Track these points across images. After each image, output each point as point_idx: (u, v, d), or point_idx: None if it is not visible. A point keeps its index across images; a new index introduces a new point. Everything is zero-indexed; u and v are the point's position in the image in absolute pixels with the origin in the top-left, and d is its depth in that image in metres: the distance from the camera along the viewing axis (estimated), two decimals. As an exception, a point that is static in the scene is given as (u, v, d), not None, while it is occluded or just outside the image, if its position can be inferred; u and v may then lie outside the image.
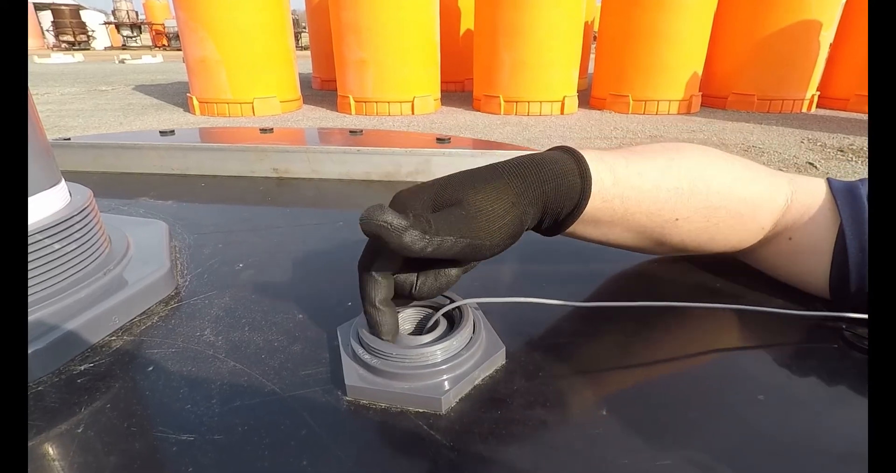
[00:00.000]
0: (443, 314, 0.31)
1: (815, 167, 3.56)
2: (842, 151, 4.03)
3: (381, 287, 0.29)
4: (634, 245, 0.39)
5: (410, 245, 0.26)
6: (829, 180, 0.37)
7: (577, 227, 0.35)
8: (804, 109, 5.96)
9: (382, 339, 0.29)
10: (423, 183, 0.31)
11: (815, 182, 0.38)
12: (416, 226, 0.26)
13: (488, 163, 0.32)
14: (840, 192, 0.36)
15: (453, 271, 0.31)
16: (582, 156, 0.33)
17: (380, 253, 0.29)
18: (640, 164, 0.35)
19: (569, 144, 0.35)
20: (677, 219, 0.36)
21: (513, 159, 0.32)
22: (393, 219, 0.25)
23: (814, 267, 0.37)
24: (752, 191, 0.37)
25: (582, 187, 0.32)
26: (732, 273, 0.42)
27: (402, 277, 0.30)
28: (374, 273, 0.29)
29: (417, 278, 0.30)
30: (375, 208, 0.26)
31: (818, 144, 4.28)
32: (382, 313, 0.29)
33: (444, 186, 0.30)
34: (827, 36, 5.60)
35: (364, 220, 0.25)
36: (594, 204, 0.33)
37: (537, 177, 0.31)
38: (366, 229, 0.26)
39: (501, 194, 0.30)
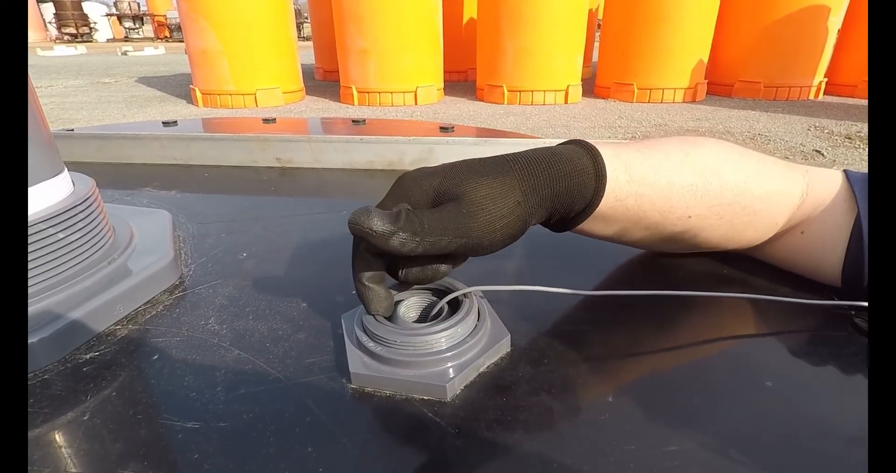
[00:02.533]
0: (448, 302, 0.30)
1: (823, 155, 3.52)
2: (849, 138, 3.98)
3: (367, 265, 0.29)
4: (645, 243, 0.39)
5: (399, 248, 0.26)
6: (846, 172, 0.36)
7: (587, 224, 0.34)
8: (811, 97, 5.88)
9: (369, 314, 0.29)
10: (430, 169, 0.30)
11: (830, 174, 0.37)
12: (405, 228, 0.26)
13: (492, 151, 0.31)
14: (858, 182, 0.35)
15: (442, 267, 0.30)
16: (598, 152, 0.32)
17: (360, 241, 0.29)
18: (656, 158, 0.34)
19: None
20: (690, 216, 0.35)
21: (526, 153, 0.31)
22: (378, 226, 0.25)
23: (826, 259, 0.36)
24: (767, 187, 0.36)
25: (596, 187, 0.31)
26: (739, 261, 0.41)
27: (392, 259, 0.30)
28: (363, 252, 0.29)
29: (404, 265, 0.30)
30: (362, 212, 0.26)
31: (825, 131, 4.24)
32: (369, 289, 0.29)
33: (448, 175, 0.29)
34: (835, 21, 5.51)
35: (351, 224, 0.26)
36: (607, 203, 0.32)
37: (549, 174, 0.30)
38: (352, 232, 0.26)
39: (507, 191, 0.29)
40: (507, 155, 0.31)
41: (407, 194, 0.29)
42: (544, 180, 0.30)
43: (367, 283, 0.29)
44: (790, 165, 0.37)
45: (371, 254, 0.29)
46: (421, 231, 0.26)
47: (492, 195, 0.28)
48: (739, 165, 0.36)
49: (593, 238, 0.37)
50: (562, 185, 0.30)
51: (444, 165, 0.30)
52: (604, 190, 0.32)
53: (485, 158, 0.31)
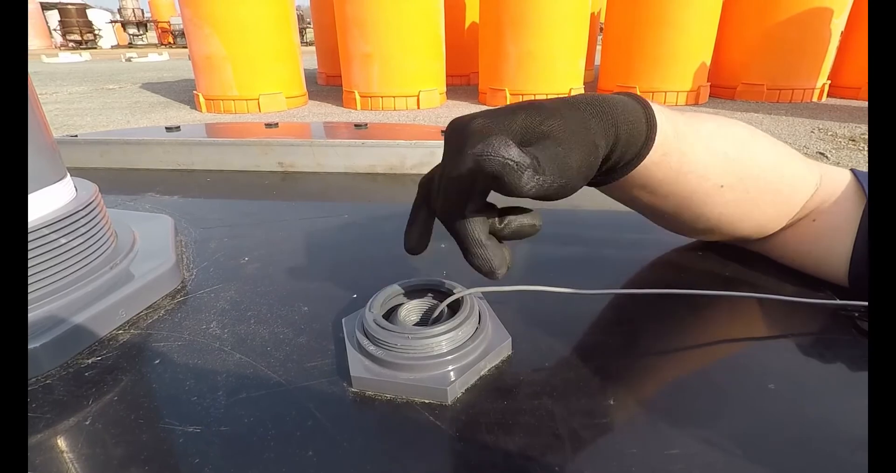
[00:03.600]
0: (448, 305, 0.30)
1: (826, 157, 3.51)
2: (853, 140, 3.97)
3: (482, 224, 0.28)
4: (674, 215, 0.38)
5: (524, 185, 0.24)
6: (853, 171, 0.38)
7: (629, 181, 0.34)
8: (815, 99, 5.88)
9: (497, 274, 0.28)
10: (498, 109, 0.28)
11: (839, 170, 0.38)
12: (531, 165, 0.24)
13: None
14: (866, 178, 0.36)
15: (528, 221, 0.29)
16: (650, 106, 0.31)
17: (470, 195, 0.27)
18: (695, 123, 0.34)
19: None
20: (722, 185, 0.35)
21: (586, 96, 0.30)
22: (519, 156, 0.23)
23: (835, 250, 0.36)
24: (790, 169, 0.37)
25: (647, 135, 0.31)
26: (744, 261, 0.41)
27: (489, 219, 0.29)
28: (470, 215, 0.27)
29: (499, 219, 0.29)
30: (499, 142, 0.23)
31: (829, 133, 4.23)
32: (491, 247, 0.28)
33: (528, 112, 0.27)
34: (838, 23, 5.51)
35: (485, 154, 0.23)
36: (653, 157, 0.32)
37: (612, 118, 0.29)
38: (486, 166, 0.23)
39: (586, 130, 0.28)
40: (564, 97, 0.30)
41: (496, 133, 0.26)
42: (609, 121, 0.29)
43: (486, 242, 0.28)
44: (805, 157, 0.38)
45: (477, 215, 0.27)
46: (539, 170, 0.24)
47: (577, 134, 0.27)
48: (767, 146, 0.36)
49: (625, 205, 0.38)
50: (622, 129, 0.29)
51: (513, 104, 0.28)
52: (654, 140, 0.31)
53: (548, 101, 0.29)
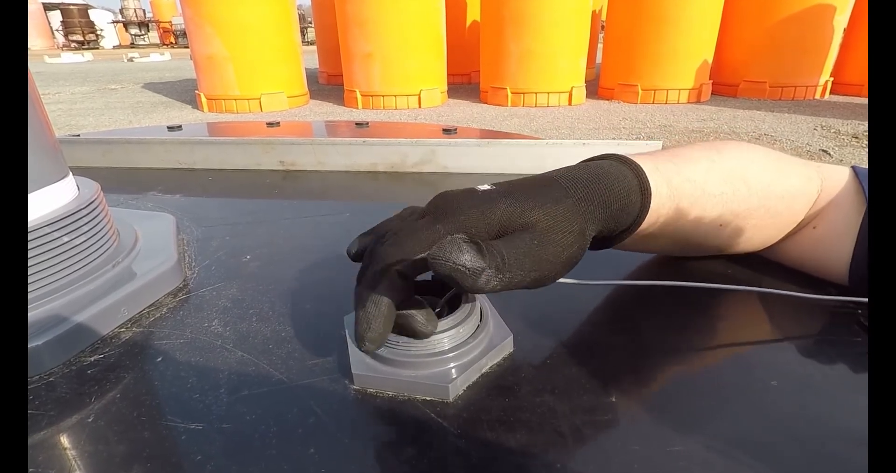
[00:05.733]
0: (448, 303, 0.30)
1: (829, 155, 3.50)
2: (856, 137, 3.96)
3: (395, 291, 0.26)
4: (668, 250, 0.39)
5: (483, 287, 0.23)
6: (854, 168, 0.37)
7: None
8: (817, 96, 5.86)
9: (365, 343, 0.26)
10: (484, 193, 0.27)
11: (840, 170, 0.37)
12: (491, 264, 0.23)
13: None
14: (867, 177, 0.36)
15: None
16: (642, 170, 0.31)
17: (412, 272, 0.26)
18: (688, 169, 0.33)
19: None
20: (721, 225, 0.35)
21: (575, 173, 0.29)
22: (471, 261, 0.22)
23: (836, 253, 0.36)
24: (789, 187, 0.36)
25: (642, 206, 0.30)
26: (747, 260, 0.41)
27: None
28: (395, 276, 0.26)
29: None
30: (451, 246, 0.22)
31: (832, 130, 4.21)
32: (384, 316, 0.26)
33: (510, 201, 0.27)
34: (841, 20, 5.49)
35: (437, 260, 0.22)
36: (648, 220, 0.32)
37: (604, 198, 0.28)
38: (438, 270, 0.22)
39: (570, 219, 0.27)
40: (554, 176, 0.29)
41: (466, 226, 0.26)
42: (599, 203, 0.28)
43: (386, 309, 0.26)
44: (805, 163, 0.38)
45: (402, 279, 0.26)
46: (503, 267, 0.24)
47: (559, 225, 0.26)
48: (763, 167, 0.36)
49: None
50: (613, 207, 0.29)
51: (500, 190, 0.28)
52: (648, 209, 0.31)
53: (533, 180, 0.29)
